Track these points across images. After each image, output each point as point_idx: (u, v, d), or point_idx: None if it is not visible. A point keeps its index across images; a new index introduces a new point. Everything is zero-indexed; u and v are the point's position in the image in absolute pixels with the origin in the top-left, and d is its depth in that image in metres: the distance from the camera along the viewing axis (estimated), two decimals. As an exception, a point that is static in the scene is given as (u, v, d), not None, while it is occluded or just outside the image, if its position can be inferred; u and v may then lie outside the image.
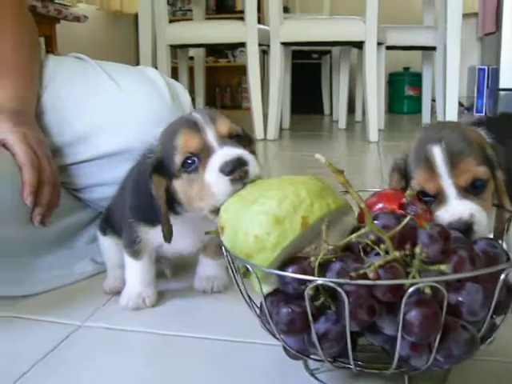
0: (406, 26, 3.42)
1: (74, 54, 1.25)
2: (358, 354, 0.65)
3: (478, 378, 0.69)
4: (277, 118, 3.05)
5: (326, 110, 4.51)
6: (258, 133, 2.98)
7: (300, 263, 0.59)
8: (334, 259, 0.58)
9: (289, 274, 0.57)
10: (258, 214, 0.61)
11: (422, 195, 0.74)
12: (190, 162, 0.77)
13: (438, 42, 3.28)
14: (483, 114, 4.28)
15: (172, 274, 1.05)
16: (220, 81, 5.10)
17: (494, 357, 0.72)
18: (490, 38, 4.20)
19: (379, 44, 2.97)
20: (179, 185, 0.80)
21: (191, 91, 3.83)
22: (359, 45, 2.99)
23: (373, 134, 2.89)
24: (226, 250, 0.65)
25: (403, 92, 4.62)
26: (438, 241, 0.56)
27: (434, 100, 3.73)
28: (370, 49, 2.84)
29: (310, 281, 0.56)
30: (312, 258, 0.58)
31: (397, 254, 0.54)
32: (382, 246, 0.55)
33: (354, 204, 0.64)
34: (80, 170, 1.11)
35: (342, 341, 0.58)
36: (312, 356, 0.65)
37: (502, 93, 3.88)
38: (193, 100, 1.27)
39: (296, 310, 0.59)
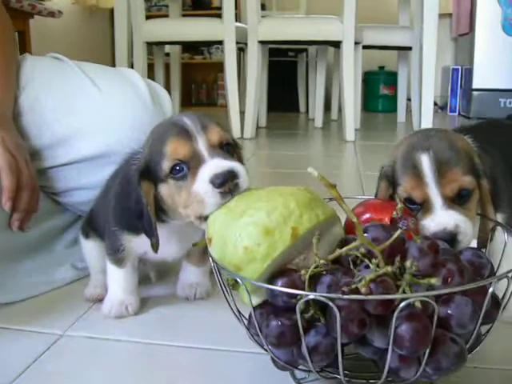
0: (382, 26, 3.44)
1: (52, 54, 1.22)
2: (344, 361, 0.65)
3: (463, 386, 0.70)
4: (254, 117, 3.05)
5: (302, 108, 4.52)
6: (235, 131, 2.97)
7: (290, 276, 0.59)
8: (324, 272, 0.58)
9: (280, 288, 0.57)
10: (247, 225, 0.61)
11: (408, 202, 0.74)
12: (178, 168, 0.76)
13: (413, 42, 3.31)
14: (456, 113, 4.35)
15: (156, 277, 1.04)
16: (196, 77, 5.07)
17: (480, 364, 0.73)
18: (464, 38, 4.26)
19: (356, 43, 2.98)
20: (165, 190, 0.79)
21: (167, 88, 3.80)
22: (336, 44, 2.99)
23: (349, 134, 2.91)
24: (214, 261, 0.65)
25: (378, 91, 4.65)
26: (429, 254, 0.56)
27: (409, 99, 3.77)
28: (348, 48, 2.85)
29: (302, 295, 0.55)
30: (302, 271, 0.58)
31: (389, 268, 0.54)
32: (374, 260, 0.55)
33: (340, 211, 0.64)
34: (59, 173, 1.09)
35: (332, 353, 0.58)
36: (300, 367, 0.64)
37: (475, 93, 3.94)
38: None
39: (286, 322, 0.58)
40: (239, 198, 0.68)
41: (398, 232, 0.56)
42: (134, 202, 0.80)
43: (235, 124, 2.99)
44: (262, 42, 2.99)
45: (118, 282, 0.91)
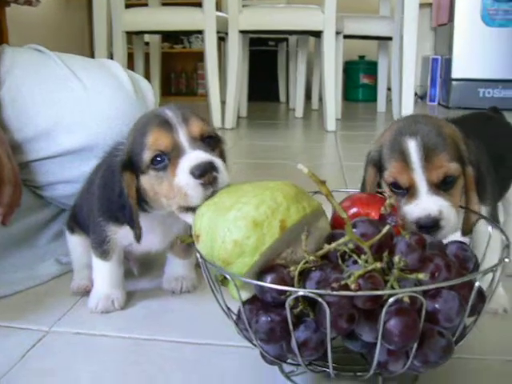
0: (363, 16, 3.45)
1: (32, 46, 1.20)
2: (332, 354, 0.66)
3: (447, 375, 0.71)
4: (234, 107, 3.04)
5: (282, 98, 4.53)
6: (216, 121, 2.96)
7: (279, 272, 0.59)
8: (313, 268, 0.59)
9: (270, 285, 0.57)
10: (235, 219, 0.61)
11: (394, 187, 0.75)
12: (159, 159, 0.77)
13: (394, 32, 3.32)
14: (436, 103, 4.38)
15: (139, 271, 1.03)
16: (175, 67, 5.03)
17: (462, 354, 0.74)
18: (444, 28, 4.28)
19: (337, 33, 2.98)
20: (147, 181, 0.79)
21: (147, 77, 3.77)
22: (317, 33, 2.99)
23: (330, 124, 2.92)
24: (202, 257, 0.65)
25: (358, 80, 4.67)
26: (416, 250, 0.57)
27: (389, 88, 3.79)
28: (329, 38, 2.85)
29: (292, 291, 0.56)
30: (292, 268, 0.58)
31: (378, 264, 0.54)
32: (363, 256, 0.56)
33: (325, 204, 0.64)
34: (42, 166, 1.08)
35: (322, 348, 0.59)
36: (289, 360, 0.65)
37: (454, 83, 3.97)
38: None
39: (276, 318, 0.59)
40: (225, 194, 0.68)
41: (387, 228, 0.57)
42: (116, 193, 0.80)
43: (216, 114, 2.98)
44: (242, 32, 2.97)
45: (103, 276, 0.90)
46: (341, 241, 0.57)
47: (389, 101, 3.85)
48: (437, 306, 0.57)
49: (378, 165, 0.78)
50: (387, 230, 0.57)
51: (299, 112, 3.59)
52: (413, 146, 0.72)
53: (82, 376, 0.71)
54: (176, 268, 0.97)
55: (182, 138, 0.76)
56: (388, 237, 0.59)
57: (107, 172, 0.85)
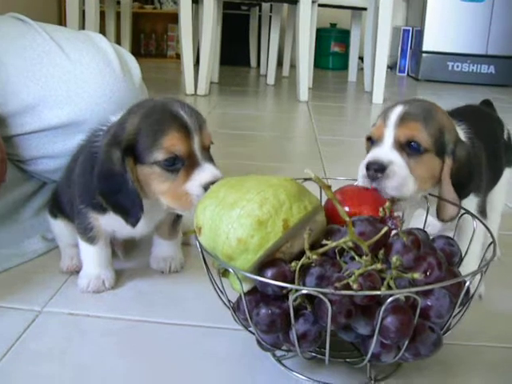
0: (338, -15, 3.44)
1: (13, 14, 1.17)
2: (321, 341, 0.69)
3: (429, 361, 0.74)
4: (208, 73, 3.00)
5: (253, 63, 4.50)
6: (189, 88, 2.94)
7: (280, 267, 0.61)
8: (312, 264, 0.61)
9: (275, 282, 0.60)
10: (240, 217, 0.63)
11: (370, 140, 0.83)
12: (172, 162, 0.80)
13: (368, 3, 3.32)
14: (405, 74, 4.42)
15: (124, 255, 1.04)
16: (145, 27, 4.92)
17: (447, 341, 0.78)
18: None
19: (312, 2, 2.96)
20: (146, 173, 0.81)
21: (117, 37, 3.70)
22: (293, 1, 2.97)
23: (303, 94, 2.93)
24: (204, 250, 0.66)
25: (329, 48, 4.67)
26: (412, 250, 0.60)
27: (360, 58, 3.80)
28: (305, 7, 2.84)
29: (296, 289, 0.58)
30: (293, 264, 0.61)
31: (379, 265, 0.57)
32: (364, 257, 0.58)
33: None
34: (26, 141, 1.07)
35: (319, 339, 0.62)
36: (284, 348, 0.68)
37: (424, 55, 4.01)
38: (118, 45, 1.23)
39: (276, 311, 0.61)
40: (228, 188, 0.69)
41: (385, 229, 0.59)
42: (118, 180, 0.80)
43: (189, 80, 2.94)
44: (218, -4, 2.93)
45: (92, 258, 0.91)
46: (342, 240, 0.60)
47: (359, 69, 3.87)
48: (429, 302, 0.60)
49: None
50: (385, 231, 0.60)
51: (271, 79, 3.59)
52: (397, 111, 0.80)
53: (81, 359, 0.73)
54: (163, 248, 0.99)
55: (196, 146, 0.81)
56: (384, 236, 0.62)
57: (90, 158, 0.84)
